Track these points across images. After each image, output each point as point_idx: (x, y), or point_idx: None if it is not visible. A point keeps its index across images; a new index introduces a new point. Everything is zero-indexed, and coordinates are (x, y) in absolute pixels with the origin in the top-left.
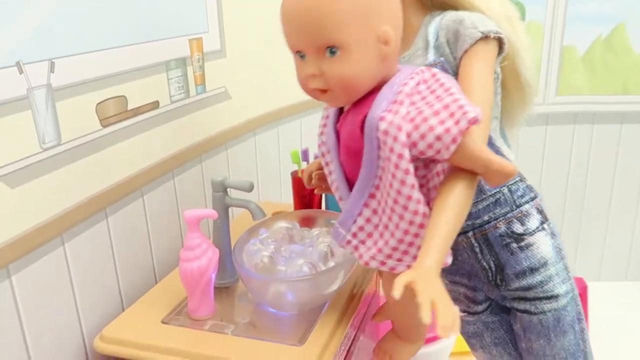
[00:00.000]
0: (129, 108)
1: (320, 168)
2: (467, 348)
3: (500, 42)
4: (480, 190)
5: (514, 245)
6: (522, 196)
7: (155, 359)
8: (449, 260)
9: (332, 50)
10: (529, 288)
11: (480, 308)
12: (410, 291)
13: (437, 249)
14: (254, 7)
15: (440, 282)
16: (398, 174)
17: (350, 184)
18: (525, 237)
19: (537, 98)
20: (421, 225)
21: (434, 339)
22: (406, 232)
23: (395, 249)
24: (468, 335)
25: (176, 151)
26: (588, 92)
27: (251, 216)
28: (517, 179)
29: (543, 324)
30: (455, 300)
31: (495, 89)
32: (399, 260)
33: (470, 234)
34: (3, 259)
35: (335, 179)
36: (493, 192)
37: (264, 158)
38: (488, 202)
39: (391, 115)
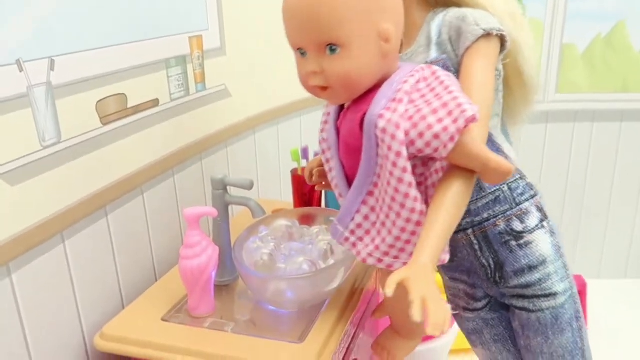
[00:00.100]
0: (129, 106)
1: (321, 165)
2: (466, 345)
3: (502, 40)
4: (480, 188)
5: (513, 243)
6: (522, 194)
7: (156, 356)
8: (446, 257)
9: (332, 47)
10: (527, 286)
11: (479, 305)
12: (404, 289)
13: (432, 247)
14: (254, 4)
15: (434, 280)
16: (396, 172)
17: (349, 181)
18: (524, 235)
19: (537, 96)
20: (418, 223)
21: (434, 336)
22: (403, 229)
23: (392, 246)
24: (468, 331)
25: (176, 149)
26: (588, 90)
27: (251, 214)
28: (517, 177)
29: (541, 321)
30: (455, 296)
31: (497, 86)
32: (396, 257)
33: (470, 231)
34: (3, 257)
35: (335, 175)
36: (493, 190)
37: (263, 156)
38: (488, 200)
39: (390, 113)
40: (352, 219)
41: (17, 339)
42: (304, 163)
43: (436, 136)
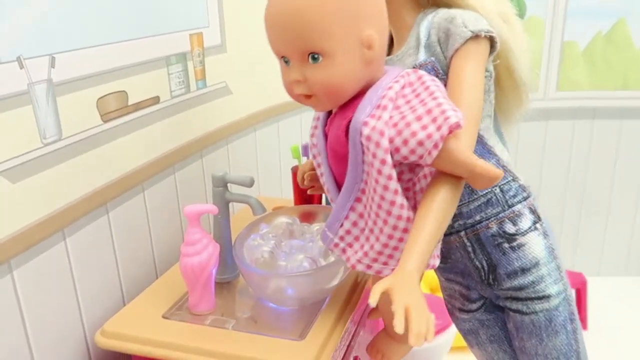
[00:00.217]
0: (129, 103)
1: (313, 168)
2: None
3: (492, 41)
4: (472, 190)
5: (506, 245)
6: (514, 196)
7: (156, 353)
8: (436, 263)
9: (314, 56)
10: (520, 288)
11: (474, 306)
12: (388, 297)
13: (419, 254)
14: (255, 1)
15: (419, 287)
16: (381, 179)
17: (339, 186)
18: (517, 237)
19: (537, 93)
20: (405, 230)
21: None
22: (390, 236)
23: (380, 253)
24: (464, 332)
25: (177, 146)
26: (588, 88)
27: (252, 211)
28: (509, 179)
29: (535, 323)
30: (451, 297)
31: (489, 87)
32: (385, 264)
33: (463, 233)
34: (4, 254)
35: (325, 181)
36: (485, 192)
37: (264, 153)
38: (480, 202)
39: (374, 121)
40: (341, 225)
41: (18, 337)
42: (304, 160)
43: (420, 143)
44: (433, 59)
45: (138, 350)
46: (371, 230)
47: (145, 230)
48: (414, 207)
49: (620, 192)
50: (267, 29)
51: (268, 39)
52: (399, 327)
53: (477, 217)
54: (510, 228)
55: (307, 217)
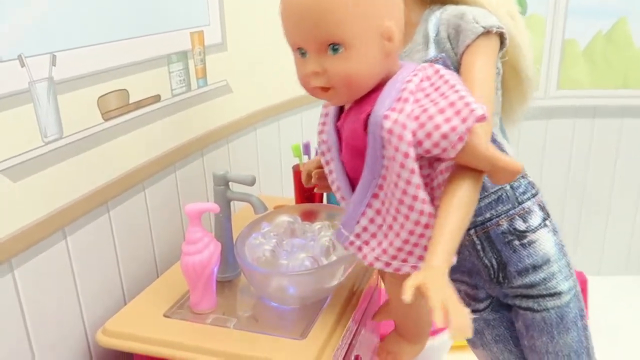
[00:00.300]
0: (130, 101)
1: (319, 166)
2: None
3: (501, 37)
4: (482, 188)
5: (517, 242)
6: (524, 193)
7: (157, 352)
8: (455, 259)
9: (334, 47)
10: (532, 285)
11: (481, 306)
12: (416, 293)
13: (445, 249)
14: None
15: (449, 283)
16: (404, 173)
17: (352, 183)
18: (527, 234)
19: (538, 92)
20: (426, 226)
21: (433, 333)
22: (411, 232)
23: (400, 249)
24: None
25: (178, 145)
26: (589, 86)
27: (253, 210)
28: (518, 176)
29: (546, 321)
30: None
31: (496, 84)
32: (404, 261)
33: (472, 231)
34: (5, 253)
35: (336, 178)
36: (495, 190)
37: (265, 152)
38: (490, 200)
39: (396, 114)
40: (358, 222)
41: (19, 336)
42: (305, 159)
43: (444, 136)
44: (443, 54)
45: (139, 349)
46: (390, 227)
47: (146, 229)
48: (432, 203)
49: (621, 190)
50: (283, 19)
51: (284, 29)
52: (439, 322)
53: (487, 215)
54: (520, 225)
55: (309, 216)
